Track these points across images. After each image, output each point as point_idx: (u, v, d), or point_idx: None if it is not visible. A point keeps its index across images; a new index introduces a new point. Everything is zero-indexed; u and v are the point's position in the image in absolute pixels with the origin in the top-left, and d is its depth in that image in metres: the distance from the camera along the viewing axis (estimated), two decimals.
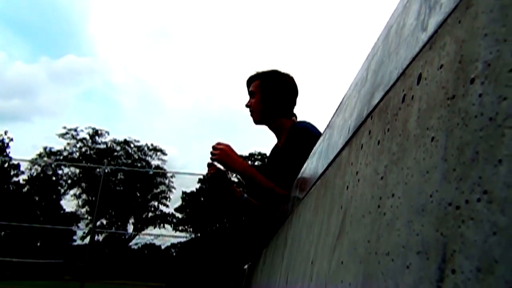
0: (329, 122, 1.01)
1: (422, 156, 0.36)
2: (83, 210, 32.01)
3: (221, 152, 1.93)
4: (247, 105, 2.13)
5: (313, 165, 1.10)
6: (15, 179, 30.89)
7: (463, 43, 0.33)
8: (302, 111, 2.21)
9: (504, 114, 0.24)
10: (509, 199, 0.22)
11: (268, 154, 2.39)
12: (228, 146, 1.94)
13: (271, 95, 2.06)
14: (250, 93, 2.13)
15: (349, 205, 0.59)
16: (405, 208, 0.37)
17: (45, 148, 32.16)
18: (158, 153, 34.97)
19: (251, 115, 2.12)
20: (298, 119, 2.14)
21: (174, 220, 33.92)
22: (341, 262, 0.56)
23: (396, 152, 0.43)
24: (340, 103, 0.92)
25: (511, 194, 0.22)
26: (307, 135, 1.85)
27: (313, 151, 1.18)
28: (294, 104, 2.14)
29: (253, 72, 2.16)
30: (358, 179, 0.57)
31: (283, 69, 2.17)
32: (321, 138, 1.07)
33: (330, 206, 0.74)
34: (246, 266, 2.58)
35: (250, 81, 2.15)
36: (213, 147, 1.95)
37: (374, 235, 0.44)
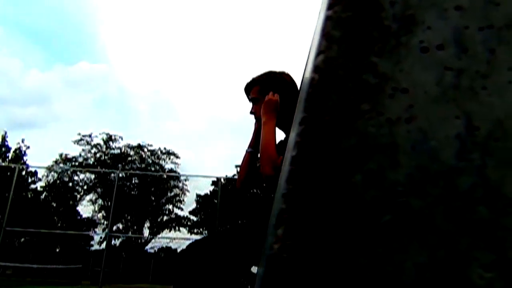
0: None
1: None
2: (99, 215, 32.46)
3: (272, 99, 1.90)
4: (251, 112, 2.10)
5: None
6: (32, 186, 31.46)
7: None
8: None
9: None
10: None
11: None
12: (277, 103, 1.90)
13: None
14: (252, 100, 2.10)
15: None
16: None
17: (61, 155, 32.71)
18: (171, 157, 35.26)
19: (258, 121, 2.09)
20: None
21: (189, 223, 34.13)
22: None
23: None
24: None
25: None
26: None
27: None
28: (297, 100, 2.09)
29: (249, 79, 2.14)
30: None
31: (282, 69, 2.14)
32: None
33: None
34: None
35: (248, 88, 2.11)
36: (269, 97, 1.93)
37: None
